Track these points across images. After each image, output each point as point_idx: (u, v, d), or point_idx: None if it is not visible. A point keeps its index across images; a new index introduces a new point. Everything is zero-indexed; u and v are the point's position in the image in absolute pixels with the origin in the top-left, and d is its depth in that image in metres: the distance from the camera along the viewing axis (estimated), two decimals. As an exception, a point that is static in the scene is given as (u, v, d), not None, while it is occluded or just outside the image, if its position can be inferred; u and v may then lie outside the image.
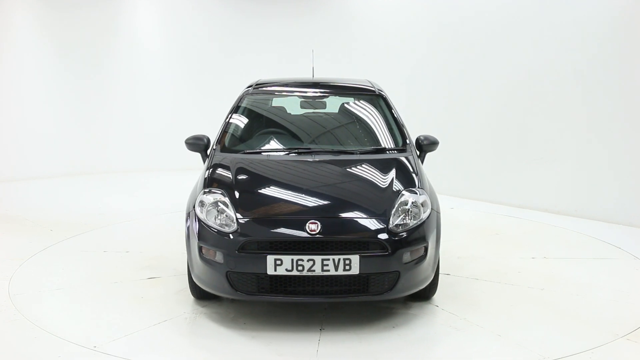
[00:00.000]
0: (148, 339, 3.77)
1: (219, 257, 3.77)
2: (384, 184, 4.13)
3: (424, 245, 3.88)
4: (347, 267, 3.63)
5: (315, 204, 3.95)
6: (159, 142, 10.31)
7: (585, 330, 3.89)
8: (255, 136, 4.96)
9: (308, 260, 3.63)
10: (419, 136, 4.92)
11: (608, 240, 6.03)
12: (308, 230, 3.69)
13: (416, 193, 4.05)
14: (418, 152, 4.86)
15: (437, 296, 4.41)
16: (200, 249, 3.88)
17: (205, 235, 3.87)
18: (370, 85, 5.36)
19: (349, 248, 3.69)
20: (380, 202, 3.95)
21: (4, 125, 9.24)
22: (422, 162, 4.88)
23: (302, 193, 4.07)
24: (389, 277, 3.75)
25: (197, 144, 4.85)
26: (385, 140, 4.85)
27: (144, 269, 5.08)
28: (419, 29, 8.78)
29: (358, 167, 4.42)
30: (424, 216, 3.94)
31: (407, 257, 3.78)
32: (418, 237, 3.86)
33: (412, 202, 3.95)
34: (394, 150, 4.69)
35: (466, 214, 7.20)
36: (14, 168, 9.25)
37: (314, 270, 3.63)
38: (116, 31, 10.14)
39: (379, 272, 3.72)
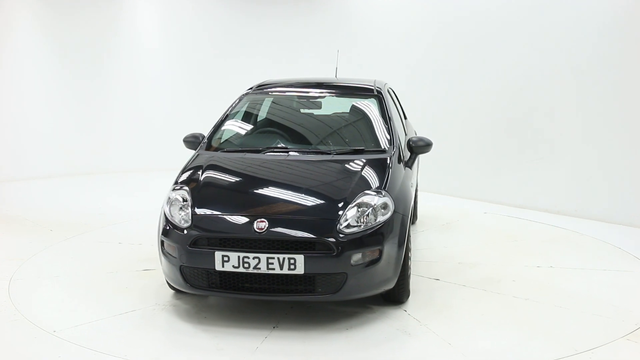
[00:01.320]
0: (104, 327, 3.93)
1: (175, 251, 3.89)
2: (343, 185, 4.10)
3: (378, 248, 3.83)
4: (292, 267, 3.66)
5: (268, 203, 4.03)
6: (159, 142, 10.31)
7: (538, 347, 3.67)
8: (240, 135, 5.09)
9: (254, 258, 3.68)
10: (411, 137, 4.90)
11: (608, 240, 6.03)
12: (255, 229, 3.75)
13: (376, 195, 4.00)
14: (409, 154, 4.86)
15: (412, 300, 4.35)
16: (162, 243, 4.03)
17: (166, 230, 4.01)
18: (372, 86, 5.32)
19: (294, 247, 3.71)
20: (334, 203, 3.94)
21: (4, 125, 9.23)
22: (413, 164, 4.86)
23: (260, 191, 4.19)
24: (335, 278, 3.72)
25: (195, 142, 4.98)
26: (369, 141, 4.82)
27: (143, 261, 5.18)
28: (419, 29, 8.77)
29: (325, 168, 4.44)
30: (381, 219, 3.90)
31: (356, 258, 3.75)
32: (371, 239, 3.82)
33: (368, 204, 3.92)
34: (374, 151, 4.60)
35: (493, 218, 6.98)
36: (14, 168, 9.24)
37: (259, 268, 3.68)
38: (116, 32, 10.14)
39: (325, 272, 3.70)
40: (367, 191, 4.02)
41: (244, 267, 3.70)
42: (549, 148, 7.37)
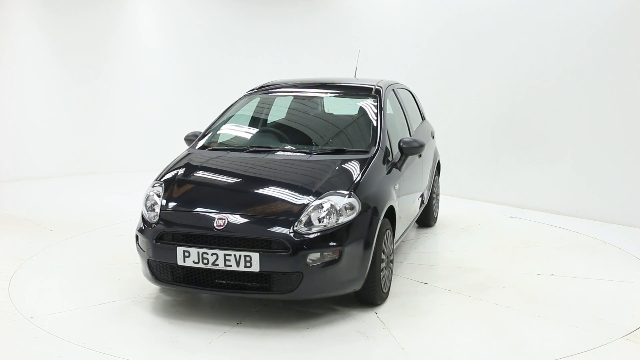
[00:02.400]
0: (78, 316, 4.10)
1: (145, 245, 4.05)
2: (310, 185, 4.11)
3: (338, 248, 3.82)
4: (248, 264, 3.73)
5: (232, 200, 4.10)
6: (159, 142, 10.31)
7: (494, 357, 3.59)
8: (230, 135, 5.19)
9: (212, 254, 3.78)
10: (402, 138, 4.86)
11: (608, 240, 6.02)
12: (215, 226, 3.84)
13: (342, 196, 3.98)
14: (400, 155, 4.84)
15: (388, 303, 4.33)
16: (137, 237, 4.19)
17: (140, 225, 4.16)
18: (372, 86, 5.29)
19: (250, 245, 3.77)
20: (296, 203, 3.96)
21: (5, 126, 9.23)
22: (403, 165, 4.82)
23: (227, 189, 4.30)
24: (291, 277, 3.75)
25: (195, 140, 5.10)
26: (353, 141, 4.82)
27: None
28: (419, 29, 8.77)
29: (299, 167, 4.45)
30: (343, 220, 3.89)
31: (313, 258, 3.76)
32: (330, 239, 3.81)
33: (331, 205, 3.91)
34: (356, 151, 4.57)
35: (517, 223, 6.75)
36: (14, 168, 9.24)
37: (217, 265, 3.78)
38: (116, 32, 10.14)
39: (280, 271, 3.75)
40: (332, 191, 4.02)
41: (203, 262, 3.80)
42: (549, 148, 7.37)
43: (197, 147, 4.94)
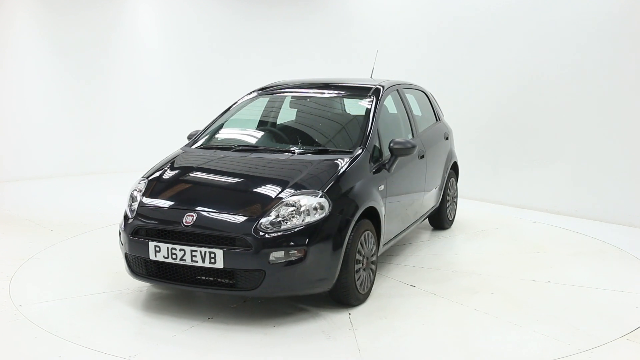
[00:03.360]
0: (62, 305, 4.23)
1: (123, 240, 4.21)
2: (281, 184, 4.13)
3: (303, 248, 3.83)
4: (213, 260, 3.82)
5: (205, 198, 4.17)
6: (159, 142, 10.30)
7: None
8: (224, 133, 5.25)
9: (180, 250, 3.89)
10: (393, 139, 4.79)
11: (608, 240, 6.03)
12: (184, 222, 3.93)
13: (311, 196, 4.00)
14: (389, 156, 4.79)
15: (366, 304, 4.32)
16: (119, 232, 4.30)
17: (123, 220, 4.30)
18: (372, 86, 5.27)
19: (215, 242, 3.85)
20: (264, 201, 4.01)
21: (5, 126, 9.23)
22: (393, 166, 4.77)
23: (202, 186, 4.39)
24: (253, 274, 3.81)
25: None
26: (339, 141, 4.82)
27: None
28: (419, 30, 8.78)
29: (277, 166, 4.49)
30: (310, 219, 3.91)
31: (276, 257, 3.80)
32: (294, 239, 3.84)
33: (299, 204, 3.94)
34: (339, 151, 4.57)
35: (537, 228, 6.57)
36: (14, 168, 9.25)
37: (185, 260, 3.88)
38: (116, 32, 10.14)
39: (243, 268, 3.81)
40: (302, 191, 4.03)
41: (172, 257, 3.91)
42: (549, 148, 7.37)
43: (192, 146, 5.04)
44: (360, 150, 4.54)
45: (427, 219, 6.24)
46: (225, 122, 5.36)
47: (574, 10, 7.03)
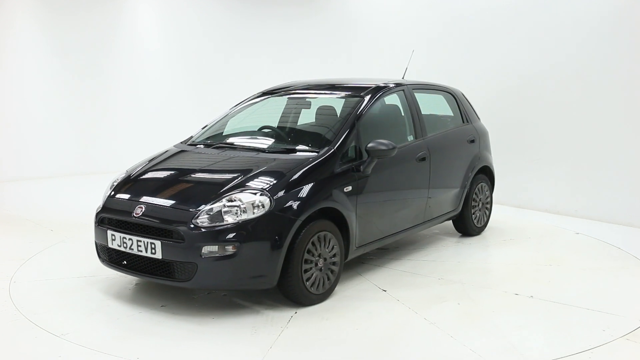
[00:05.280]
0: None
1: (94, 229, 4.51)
2: (229, 180, 4.22)
3: (235, 243, 3.89)
4: (153, 251, 4.00)
5: (155, 191, 4.36)
6: (159, 142, 10.29)
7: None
8: (215, 132, 5.36)
9: (128, 240, 4.12)
10: (372, 141, 4.66)
11: (608, 240, 6.02)
12: (134, 213, 4.15)
13: (254, 194, 4.04)
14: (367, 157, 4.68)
15: (321, 304, 4.30)
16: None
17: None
18: (369, 86, 5.24)
19: (157, 234, 4.02)
20: (205, 196, 4.11)
21: (5, 126, 9.24)
22: (368, 167, 4.64)
23: (160, 180, 4.56)
24: (187, 266, 3.93)
25: None
26: (311, 141, 4.79)
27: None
28: (419, 29, 8.78)
29: (233, 164, 4.58)
30: (247, 217, 3.95)
31: (209, 251, 3.89)
32: (227, 234, 3.90)
33: (237, 201, 4.00)
34: (305, 150, 4.58)
35: (573, 239, 6.10)
36: (14, 168, 9.25)
37: (132, 249, 4.10)
38: (116, 33, 10.15)
39: (177, 260, 3.94)
40: (243, 188, 4.10)
41: (124, 247, 4.15)
42: (549, 148, 7.37)
43: (186, 143, 5.21)
44: (326, 150, 4.52)
45: (452, 224, 6.18)
46: (224, 121, 5.48)
47: (574, 10, 7.03)
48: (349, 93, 5.25)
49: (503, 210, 7.36)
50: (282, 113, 5.56)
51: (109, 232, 4.25)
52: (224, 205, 3.99)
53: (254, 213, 3.98)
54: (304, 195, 4.20)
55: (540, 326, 4.01)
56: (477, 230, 6.27)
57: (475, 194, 6.16)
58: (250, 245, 3.94)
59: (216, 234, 3.90)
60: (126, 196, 4.42)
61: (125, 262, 4.21)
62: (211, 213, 3.97)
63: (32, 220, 6.77)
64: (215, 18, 10.73)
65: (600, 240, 5.77)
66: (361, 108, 4.91)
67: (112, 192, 4.53)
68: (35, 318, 4.06)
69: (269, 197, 4.05)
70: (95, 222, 4.45)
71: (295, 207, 4.11)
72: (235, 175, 4.29)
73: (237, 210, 3.97)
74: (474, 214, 6.16)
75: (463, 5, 8.21)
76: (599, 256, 5.56)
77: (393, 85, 5.43)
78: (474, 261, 5.43)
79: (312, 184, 4.27)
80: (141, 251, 4.05)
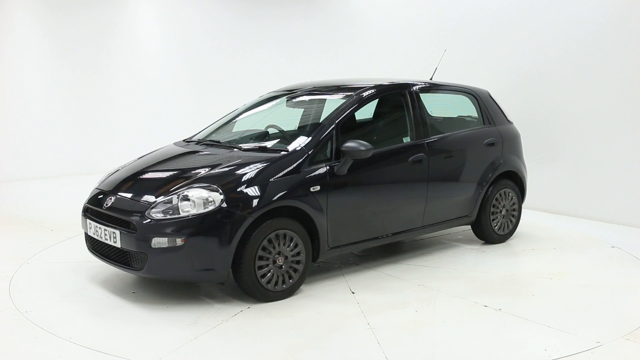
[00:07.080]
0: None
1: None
2: (190, 176, 4.37)
3: (182, 237, 4.03)
4: (115, 240, 4.25)
5: (126, 184, 4.58)
6: (159, 142, 10.30)
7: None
8: (212, 130, 5.48)
9: (99, 228, 4.41)
10: (347, 141, 4.60)
11: (608, 240, 6.02)
12: (104, 204, 4.44)
13: (205, 189, 4.15)
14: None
15: (282, 302, 4.29)
16: None
17: None
18: (366, 87, 5.19)
19: (118, 224, 4.26)
20: (160, 190, 4.29)
21: (5, 126, 9.25)
22: (342, 167, 4.55)
23: (135, 174, 4.71)
24: (139, 256, 4.15)
25: None
26: (291, 140, 4.71)
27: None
28: (419, 29, 8.78)
29: (203, 160, 4.72)
30: (195, 211, 4.07)
31: (159, 242, 4.04)
32: (175, 227, 4.05)
33: (188, 196, 4.12)
34: (274, 149, 4.64)
35: (602, 253, 5.63)
36: (14, 168, 9.25)
37: (102, 237, 4.38)
38: (116, 33, 10.15)
39: (132, 249, 4.15)
40: (195, 184, 4.22)
41: (96, 235, 4.44)
42: (549, 147, 7.37)
43: (184, 140, 5.41)
44: (294, 149, 4.53)
45: (472, 230, 5.93)
46: (225, 120, 5.59)
47: (574, 9, 7.03)
48: (343, 94, 5.21)
49: (546, 217, 7.05)
50: (286, 113, 5.55)
51: (87, 221, 4.57)
52: (177, 199, 4.12)
53: (205, 208, 4.09)
54: (259, 193, 4.23)
55: (479, 340, 3.76)
56: (499, 238, 5.90)
57: (497, 199, 5.81)
58: (199, 239, 4.06)
59: (165, 226, 4.06)
60: (106, 188, 4.68)
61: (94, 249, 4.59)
62: (164, 206, 4.13)
63: (32, 220, 6.77)
64: (216, 18, 10.73)
65: (634, 256, 5.43)
66: (342, 109, 4.86)
67: (99, 185, 4.82)
68: (35, 318, 4.06)
69: (220, 193, 4.14)
70: (82, 212, 4.72)
71: (248, 204, 4.15)
72: (198, 170, 4.44)
73: (188, 204, 4.10)
74: (493, 220, 5.82)
75: (464, 5, 8.20)
76: (615, 274, 5.05)
77: (392, 85, 5.35)
78: (472, 270, 5.13)
79: (269, 181, 4.29)
80: (107, 240, 4.32)
